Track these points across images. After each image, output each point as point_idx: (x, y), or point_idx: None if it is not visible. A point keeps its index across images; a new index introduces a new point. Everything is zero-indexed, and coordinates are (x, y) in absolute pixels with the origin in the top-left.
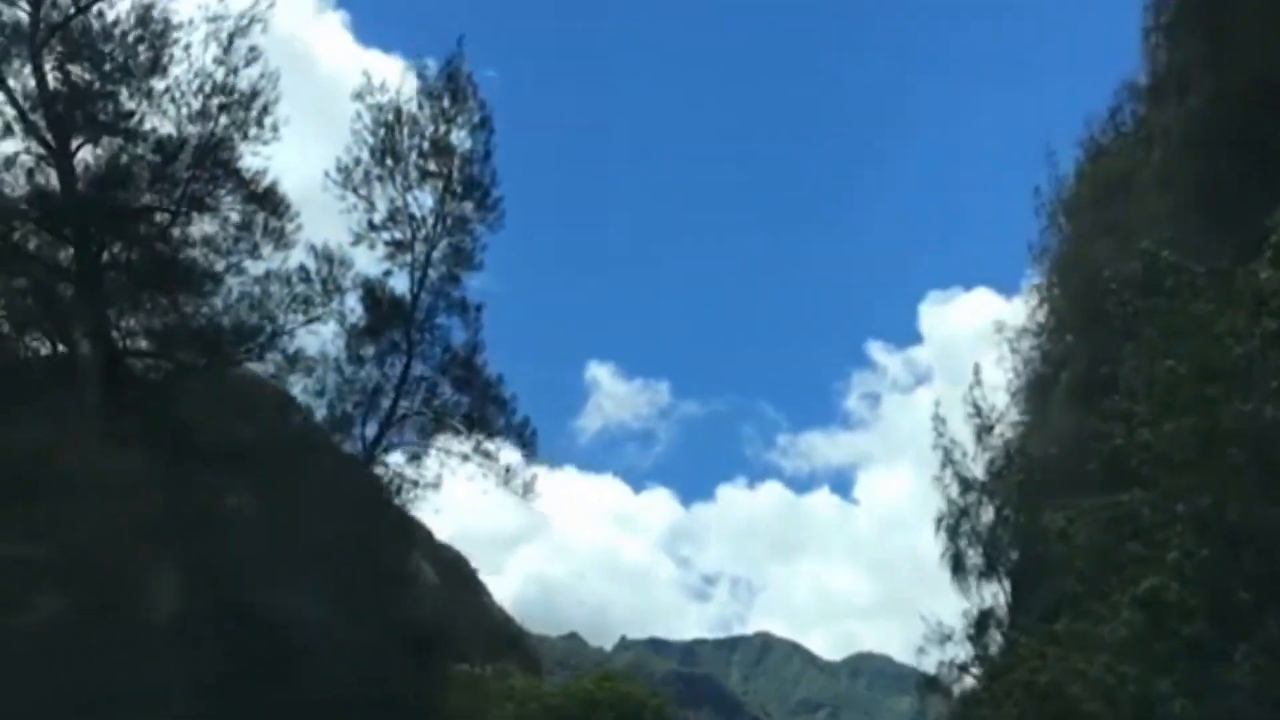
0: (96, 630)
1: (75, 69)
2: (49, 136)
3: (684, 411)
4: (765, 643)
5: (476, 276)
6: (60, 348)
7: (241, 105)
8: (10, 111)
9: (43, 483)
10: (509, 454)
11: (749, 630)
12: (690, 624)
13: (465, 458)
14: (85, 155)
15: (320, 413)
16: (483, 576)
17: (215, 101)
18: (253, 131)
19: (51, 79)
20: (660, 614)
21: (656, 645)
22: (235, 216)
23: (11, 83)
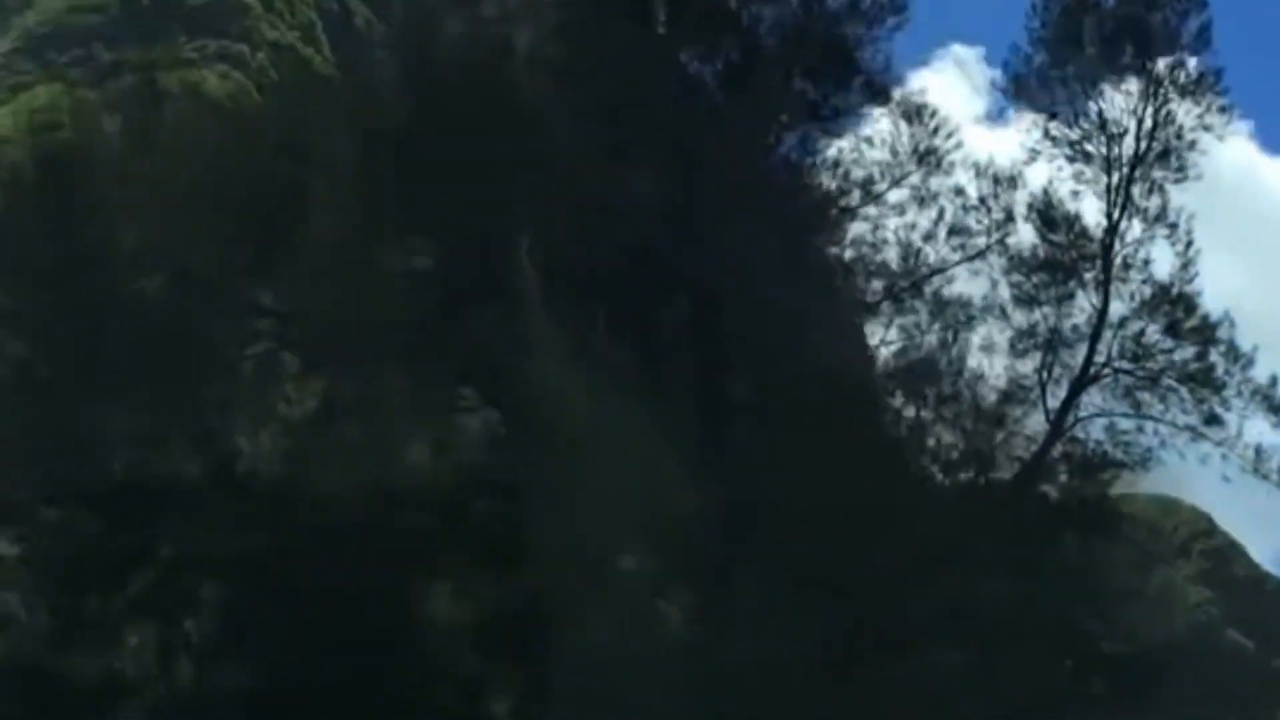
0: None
1: None
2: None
3: None
4: None
5: None
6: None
7: None
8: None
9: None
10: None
11: None
12: None
13: (1192, 431)
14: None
15: (991, 372)
16: None
17: None
18: (884, 19)
19: None
20: None
21: None
22: (870, 132)
23: None
